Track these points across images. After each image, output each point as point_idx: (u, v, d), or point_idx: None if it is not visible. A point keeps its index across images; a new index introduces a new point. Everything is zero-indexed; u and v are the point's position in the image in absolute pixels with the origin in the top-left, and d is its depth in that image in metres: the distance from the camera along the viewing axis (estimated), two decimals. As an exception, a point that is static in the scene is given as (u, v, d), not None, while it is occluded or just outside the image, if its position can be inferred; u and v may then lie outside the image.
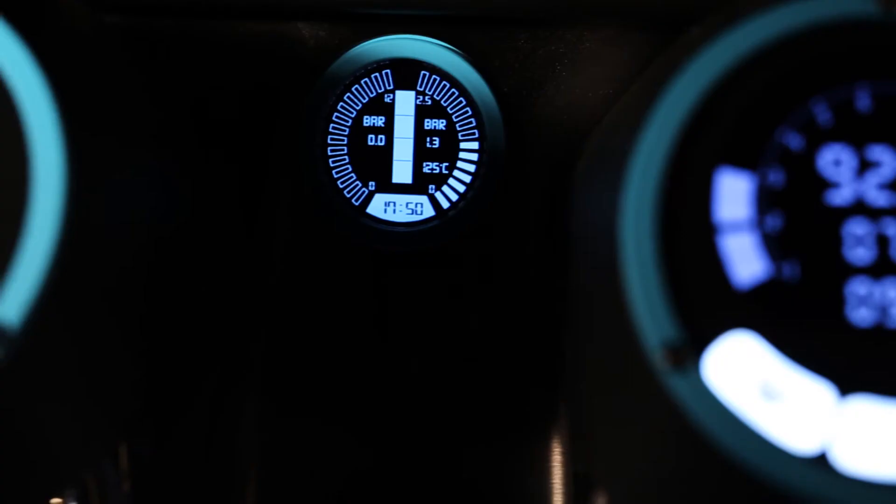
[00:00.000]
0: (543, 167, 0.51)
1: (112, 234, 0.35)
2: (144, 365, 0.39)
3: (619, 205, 0.34)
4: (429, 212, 0.51)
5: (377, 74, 0.51)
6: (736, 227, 0.34)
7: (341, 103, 0.51)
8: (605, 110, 0.50)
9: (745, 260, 0.33)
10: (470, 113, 0.51)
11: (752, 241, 0.34)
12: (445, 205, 0.51)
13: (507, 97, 0.51)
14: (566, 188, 0.48)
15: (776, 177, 0.34)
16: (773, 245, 0.34)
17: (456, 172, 0.51)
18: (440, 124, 0.51)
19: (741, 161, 0.34)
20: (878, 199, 0.34)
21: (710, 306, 0.33)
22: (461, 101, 0.51)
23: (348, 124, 0.51)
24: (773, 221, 0.34)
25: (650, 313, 0.32)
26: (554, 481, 0.51)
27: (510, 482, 0.51)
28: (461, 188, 0.51)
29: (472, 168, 0.51)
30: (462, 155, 0.51)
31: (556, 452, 0.51)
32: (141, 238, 0.37)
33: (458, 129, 0.51)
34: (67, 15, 0.36)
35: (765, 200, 0.34)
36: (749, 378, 0.32)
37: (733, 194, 0.34)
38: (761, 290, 0.33)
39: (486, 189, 0.51)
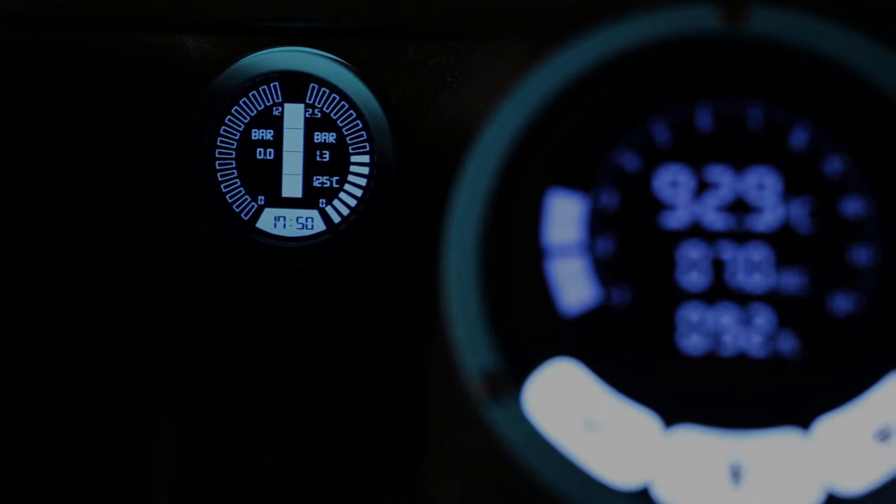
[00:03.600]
0: (435, 179, 0.50)
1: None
2: None
3: (446, 224, 0.33)
4: (319, 226, 0.50)
5: (265, 87, 0.50)
6: (566, 250, 0.33)
7: (229, 117, 0.50)
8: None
9: (574, 285, 0.32)
10: (360, 126, 0.50)
11: (581, 265, 0.32)
12: (336, 219, 0.50)
13: (397, 110, 0.50)
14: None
15: (610, 198, 0.33)
16: (604, 270, 0.32)
17: (347, 186, 0.50)
18: (330, 137, 0.50)
19: (574, 182, 0.33)
20: (716, 222, 0.33)
21: (533, 334, 0.32)
22: (351, 114, 0.50)
23: (236, 138, 0.50)
24: (605, 245, 0.33)
25: (469, 341, 0.31)
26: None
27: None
28: (352, 202, 0.50)
29: (363, 181, 0.50)
30: (353, 168, 0.50)
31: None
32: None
33: (349, 142, 0.50)
34: None
35: (597, 223, 0.33)
36: (571, 409, 0.31)
37: (564, 216, 0.33)
38: (589, 317, 0.32)
39: (377, 202, 0.50)
